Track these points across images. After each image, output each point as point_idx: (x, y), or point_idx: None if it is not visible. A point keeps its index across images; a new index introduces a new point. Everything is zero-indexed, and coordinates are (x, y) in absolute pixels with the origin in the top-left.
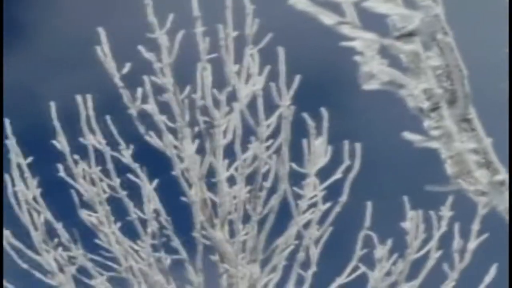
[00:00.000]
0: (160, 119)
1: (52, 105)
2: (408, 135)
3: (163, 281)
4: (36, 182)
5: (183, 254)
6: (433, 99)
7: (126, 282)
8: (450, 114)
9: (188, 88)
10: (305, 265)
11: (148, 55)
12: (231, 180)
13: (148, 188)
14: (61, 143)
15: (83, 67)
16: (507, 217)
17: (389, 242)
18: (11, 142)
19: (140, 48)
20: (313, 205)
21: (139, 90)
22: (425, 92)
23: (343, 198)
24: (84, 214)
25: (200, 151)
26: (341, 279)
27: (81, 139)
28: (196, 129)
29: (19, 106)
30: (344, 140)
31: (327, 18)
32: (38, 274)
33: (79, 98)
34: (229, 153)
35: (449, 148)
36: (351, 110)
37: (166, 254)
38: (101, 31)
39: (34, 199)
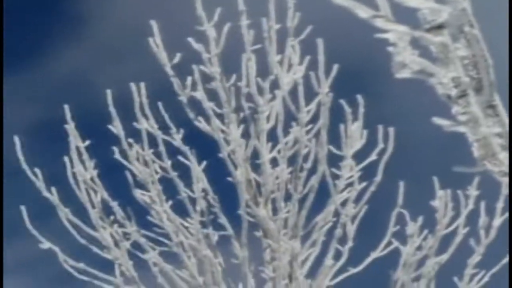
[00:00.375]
0: (208, 105)
1: (108, 93)
2: (437, 120)
3: (211, 255)
4: (93, 163)
5: (230, 231)
6: (461, 87)
7: (177, 256)
8: (476, 101)
9: (234, 77)
10: (342, 240)
11: (197, 46)
12: (274, 162)
13: (197, 169)
14: (116, 127)
15: (137, 57)
16: None
17: (420, 219)
18: (70, 127)
19: (190, 39)
20: (350, 185)
21: (189, 79)
22: (453, 80)
23: (378, 178)
24: (137, 193)
25: (245, 135)
26: (376, 254)
27: (135, 124)
28: (242, 114)
29: (77, 93)
30: (378, 124)
31: (363, 12)
32: (95, 249)
33: (133, 86)
34: (272, 136)
35: (476, 132)
36: (385, 97)
37: (214, 231)
38: (154, 24)
39: (92, 179)
